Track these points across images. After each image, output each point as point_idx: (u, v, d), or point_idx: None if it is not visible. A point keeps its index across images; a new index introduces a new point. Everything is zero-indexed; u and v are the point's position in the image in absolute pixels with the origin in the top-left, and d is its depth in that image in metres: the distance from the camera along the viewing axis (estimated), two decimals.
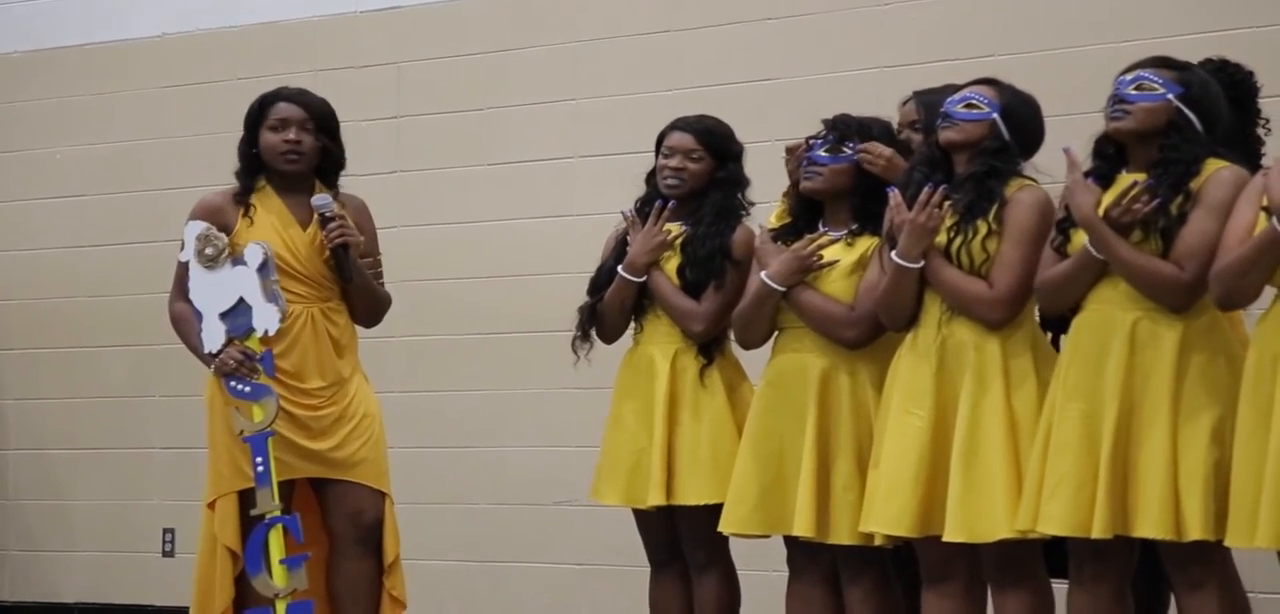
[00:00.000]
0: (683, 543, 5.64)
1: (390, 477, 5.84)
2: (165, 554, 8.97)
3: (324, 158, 5.82)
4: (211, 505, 5.80)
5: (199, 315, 5.67)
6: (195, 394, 8.77)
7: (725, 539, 5.56)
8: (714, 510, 5.46)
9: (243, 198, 5.79)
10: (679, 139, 5.69)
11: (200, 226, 5.67)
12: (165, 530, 8.96)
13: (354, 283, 5.76)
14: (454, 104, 8.29)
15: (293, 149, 5.74)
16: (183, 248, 5.72)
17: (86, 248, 9.24)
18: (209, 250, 5.65)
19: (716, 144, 5.68)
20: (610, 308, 5.71)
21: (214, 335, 5.65)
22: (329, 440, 5.72)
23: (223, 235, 5.66)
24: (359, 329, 5.94)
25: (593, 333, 5.78)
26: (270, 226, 5.73)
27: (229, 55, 8.99)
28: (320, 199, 5.71)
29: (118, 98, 9.25)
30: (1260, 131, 5.21)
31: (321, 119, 5.82)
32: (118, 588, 9.02)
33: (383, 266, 5.95)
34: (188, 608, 8.82)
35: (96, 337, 9.19)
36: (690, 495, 5.52)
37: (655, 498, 5.53)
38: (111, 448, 9.13)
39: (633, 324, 5.74)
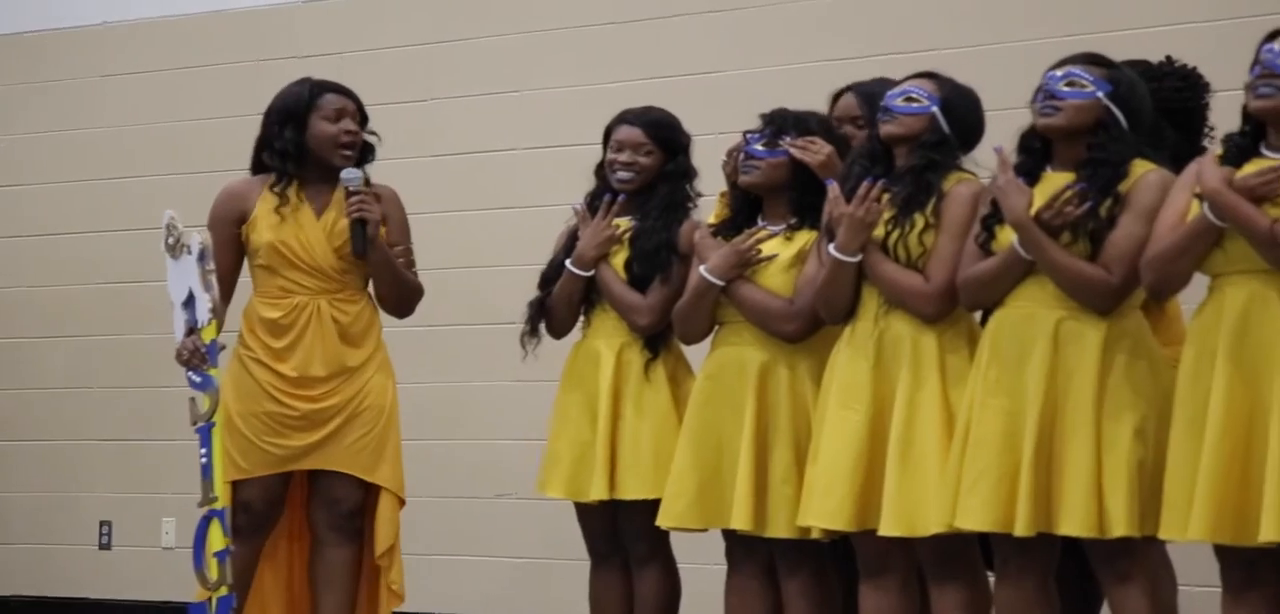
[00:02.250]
0: (624, 536, 5.63)
1: (394, 471, 5.81)
2: (102, 547, 8.93)
3: (362, 150, 5.84)
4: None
5: (171, 305, 5.63)
6: (134, 386, 8.81)
7: (666, 532, 5.54)
8: (655, 504, 5.45)
9: (278, 186, 5.76)
10: (628, 133, 5.68)
11: (167, 215, 5.62)
12: (102, 523, 8.92)
13: (372, 261, 5.72)
14: (397, 94, 8.26)
15: (353, 140, 5.75)
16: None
17: (25, 238, 9.19)
18: (170, 240, 5.61)
19: (665, 136, 5.68)
20: (558, 302, 5.70)
21: (177, 326, 5.60)
22: (324, 430, 5.71)
23: (179, 225, 5.61)
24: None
25: (541, 327, 5.76)
26: (289, 217, 5.73)
27: (170, 44, 8.96)
28: (349, 172, 5.70)
29: (57, 86, 9.20)
30: (1205, 143, 5.20)
31: (364, 112, 5.85)
32: (54, 581, 8.97)
33: (414, 256, 5.92)
34: (125, 602, 8.84)
35: (35, 328, 9.15)
36: (632, 489, 5.50)
37: (598, 492, 5.52)
38: (49, 440, 9.08)
39: (581, 317, 5.73)
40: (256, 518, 5.70)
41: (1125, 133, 4.70)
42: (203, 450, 5.51)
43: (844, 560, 5.30)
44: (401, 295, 5.86)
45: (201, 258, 5.54)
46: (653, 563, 5.61)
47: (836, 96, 5.62)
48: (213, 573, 5.48)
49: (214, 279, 5.57)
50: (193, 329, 5.56)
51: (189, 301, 5.58)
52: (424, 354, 8.15)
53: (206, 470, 5.50)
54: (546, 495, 5.73)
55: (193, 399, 5.55)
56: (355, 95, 5.85)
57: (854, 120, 5.47)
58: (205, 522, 5.51)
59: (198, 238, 5.56)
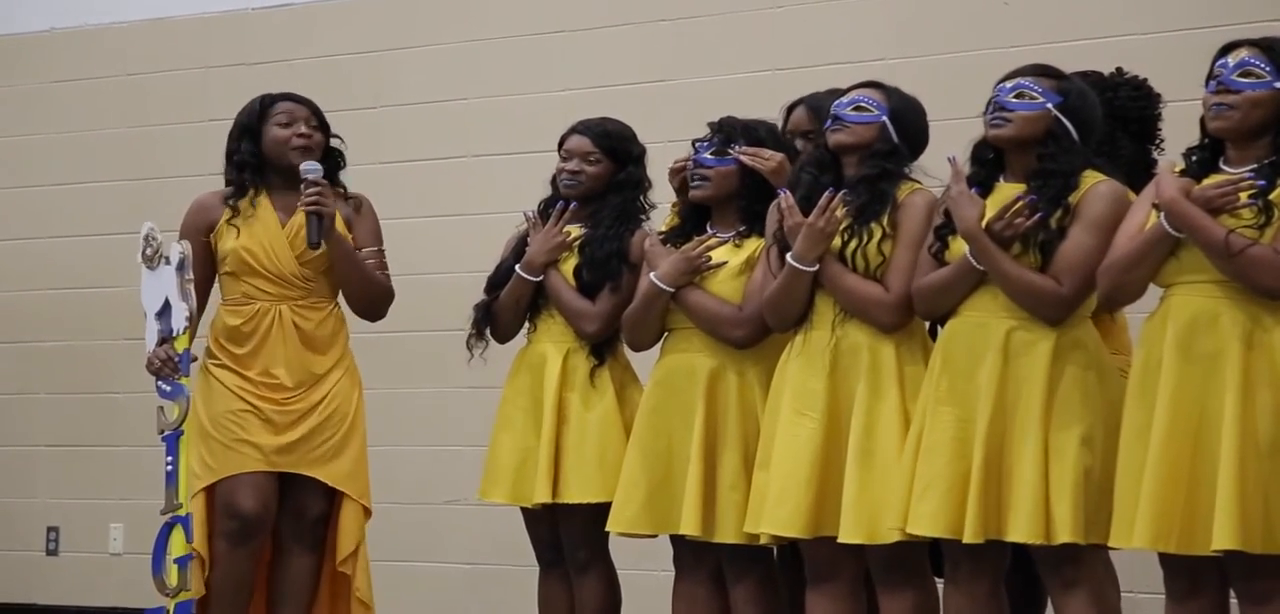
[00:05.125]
0: (563, 541, 5.64)
1: (356, 478, 5.80)
2: (49, 553, 8.89)
3: (326, 156, 5.85)
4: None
5: (144, 314, 5.63)
6: (80, 392, 8.77)
7: (605, 538, 5.57)
8: (595, 509, 5.49)
9: (236, 197, 5.80)
10: (576, 142, 5.71)
11: (147, 226, 5.65)
12: (49, 529, 8.88)
13: (331, 256, 5.73)
14: (346, 101, 8.22)
15: (306, 141, 5.77)
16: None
17: None
18: (148, 250, 5.63)
19: (614, 147, 5.70)
20: (505, 307, 5.71)
21: (150, 335, 5.60)
22: (291, 434, 5.71)
23: (158, 236, 5.63)
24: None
25: (487, 331, 5.77)
26: (253, 224, 5.76)
27: (119, 51, 8.92)
28: (308, 165, 5.71)
29: (5, 92, 9.15)
30: (1156, 154, 5.27)
31: (322, 119, 5.87)
32: (1, 587, 8.91)
33: (386, 260, 5.93)
34: (72, 608, 8.80)
35: None
36: (575, 493, 5.51)
37: (541, 495, 5.53)
38: None
39: (526, 323, 5.74)
40: (248, 523, 5.65)
41: (1075, 144, 4.74)
42: (169, 458, 5.50)
43: (790, 566, 5.32)
44: (367, 294, 5.87)
45: (180, 267, 5.57)
46: (592, 569, 5.62)
47: (790, 109, 5.65)
48: (173, 579, 5.47)
49: (191, 288, 5.60)
50: (165, 339, 5.57)
51: (163, 312, 5.58)
52: (373, 360, 8.13)
53: (171, 478, 5.49)
54: (489, 501, 5.74)
55: (161, 407, 5.56)
56: (311, 103, 5.87)
57: (806, 134, 5.49)
58: (167, 527, 5.49)
59: (178, 248, 5.59)
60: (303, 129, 5.79)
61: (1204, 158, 4.55)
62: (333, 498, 5.79)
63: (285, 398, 5.72)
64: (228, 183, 5.87)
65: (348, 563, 5.75)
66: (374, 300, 5.90)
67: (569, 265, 5.63)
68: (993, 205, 4.72)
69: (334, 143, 5.89)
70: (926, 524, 4.72)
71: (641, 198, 5.70)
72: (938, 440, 4.73)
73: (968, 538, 4.65)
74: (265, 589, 5.86)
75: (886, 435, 4.88)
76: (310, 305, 5.79)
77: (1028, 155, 4.76)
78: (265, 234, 5.75)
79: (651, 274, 5.33)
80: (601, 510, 5.47)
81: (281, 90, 5.95)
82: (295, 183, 5.76)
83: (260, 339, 5.73)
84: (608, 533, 5.52)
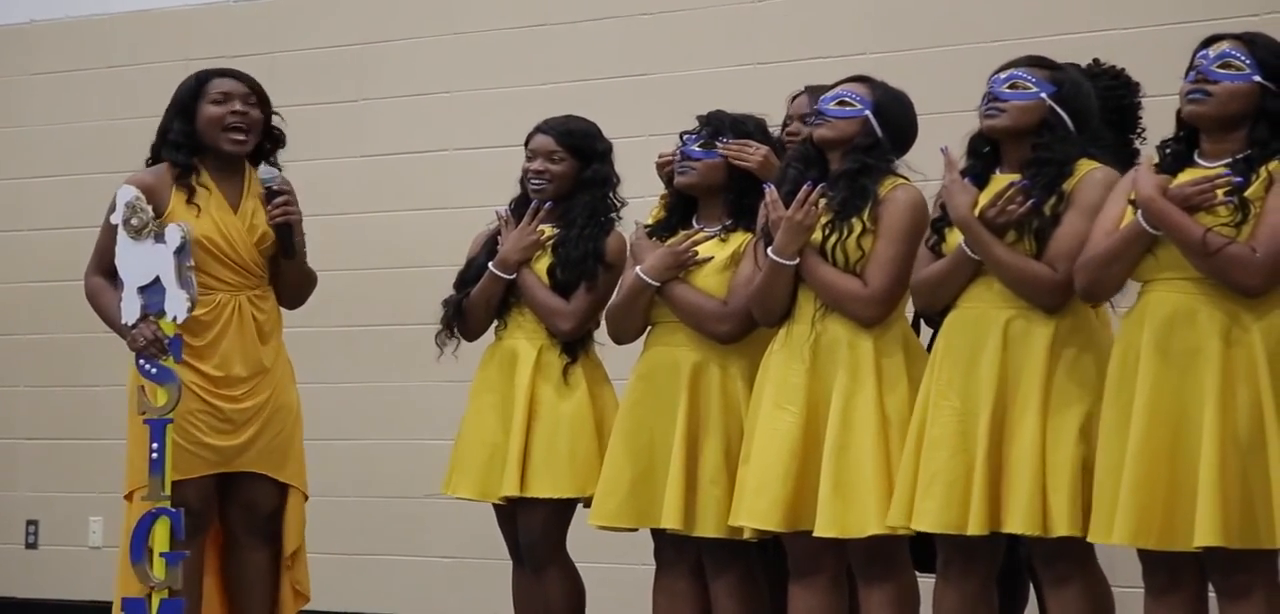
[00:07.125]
0: (520, 537, 5.64)
1: (301, 468, 5.76)
2: (29, 546, 8.87)
3: (264, 135, 5.71)
4: (129, 496, 5.57)
5: (121, 284, 5.42)
6: (62, 385, 8.77)
7: (562, 535, 5.60)
8: (555, 507, 5.52)
9: (183, 178, 5.59)
10: (540, 142, 5.70)
11: (131, 193, 5.42)
12: (29, 522, 8.87)
13: (295, 261, 5.66)
14: (328, 95, 8.27)
15: (241, 121, 5.61)
16: (113, 211, 5.47)
17: None
18: (134, 220, 5.38)
19: (578, 144, 5.69)
20: (476, 304, 5.70)
21: (132, 308, 5.41)
22: (247, 432, 5.62)
23: (149, 207, 5.41)
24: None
25: (455, 328, 5.76)
26: (208, 208, 5.59)
27: (100, 43, 8.91)
28: (268, 172, 5.61)
29: None
30: (1138, 144, 5.28)
31: (262, 96, 5.70)
32: None
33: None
34: (51, 601, 8.79)
35: None
36: (543, 488, 5.51)
37: (509, 488, 5.52)
38: None
39: (496, 320, 5.73)
40: (196, 519, 5.54)
41: (1070, 132, 4.74)
42: (154, 445, 5.31)
43: (772, 560, 5.33)
44: (304, 288, 5.82)
45: (180, 252, 5.35)
46: (552, 565, 5.61)
47: (796, 97, 5.64)
48: (159, 573, 5.34)
49: (193, 276, 5.38)
50: (147, 315, 5.40)
51: (149, 287, 5.44)
52: (355, 354, 8.15)
53: (157, 466, 5.31)
54: (454, 496, 5.72)
55: (143, 388, 5.38)
56: (250, 79, 5.70)
57: (804, 118, 5.48)
58: (150, 518, 5.35)
59: (179, 231, 5.39)
60: (237, 106, 5.62)
61: (1179, 151, 4.55)
62: (283, 491, 5.72)
63: (240, 394, 5.60)
64: (154, 164, 5.66)
65: (292, 556, 5.70)
66: (306, 291, 5.84)
67: (542, 264, 5.62)
68: (988, 196, 4.72)
69: (274, 122, 5.73)
70: (929, 520, 4.71)
71: (611, 195, 5.69)
72: (939, 435, 4.72)
73: (972, 530, 4.64)
74: (222, 584, 5.79)
75: (862, 430, 4.88)
76: (262, 295, 5.69)
77: (1023, 146, 4.76)
78: (222, 221, 5.60)
79: (638, 268, 5.32)
80: (562, 507, 5.51)
81: (221, 68, 5.76)
82: (230, 165, 5.64)
83: (221, 330, 5.58)
84: (566, 530, 5.56)
